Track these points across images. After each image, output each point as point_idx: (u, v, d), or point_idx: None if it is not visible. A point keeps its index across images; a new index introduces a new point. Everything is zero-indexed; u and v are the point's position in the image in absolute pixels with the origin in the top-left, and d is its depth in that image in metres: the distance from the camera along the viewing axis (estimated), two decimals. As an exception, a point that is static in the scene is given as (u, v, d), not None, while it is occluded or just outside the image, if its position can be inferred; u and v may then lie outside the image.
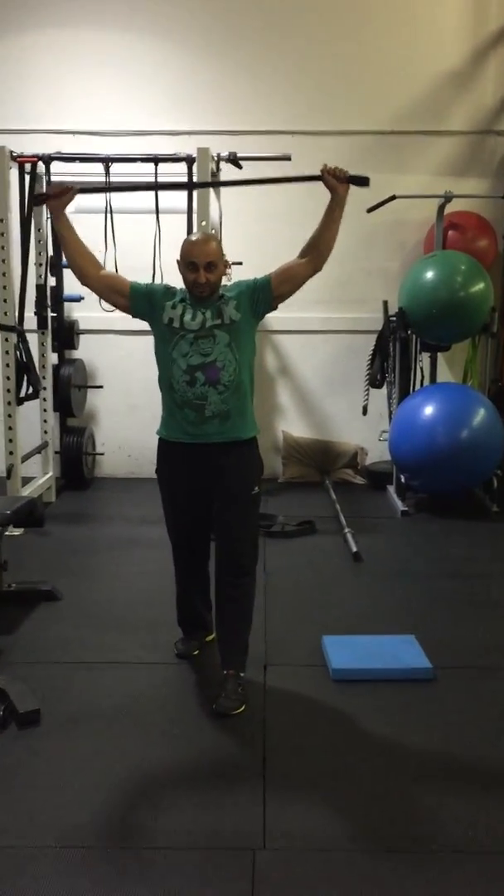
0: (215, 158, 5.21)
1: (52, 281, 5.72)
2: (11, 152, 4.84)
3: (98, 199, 5.00)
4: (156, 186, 4.91)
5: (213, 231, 5.53)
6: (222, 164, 5.31)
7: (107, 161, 4.90)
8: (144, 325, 3.19)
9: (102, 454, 6.36)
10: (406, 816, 2.50)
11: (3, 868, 2.27)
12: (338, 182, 3.02)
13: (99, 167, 4.97)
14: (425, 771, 2.73)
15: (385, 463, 6.12)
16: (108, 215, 4.94)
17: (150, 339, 3.18)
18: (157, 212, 4.93)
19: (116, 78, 6.04)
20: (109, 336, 6.11)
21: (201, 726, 2.98)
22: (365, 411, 5.84)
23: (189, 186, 4.99)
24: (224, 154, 5.23)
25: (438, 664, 3.37)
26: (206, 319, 3.04)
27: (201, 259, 2.98)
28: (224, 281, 3.20)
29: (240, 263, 5.89)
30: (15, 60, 6.04)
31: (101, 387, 6.24)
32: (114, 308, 3.20)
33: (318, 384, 6.44)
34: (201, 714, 3.05)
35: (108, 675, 3.32)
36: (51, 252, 5.62)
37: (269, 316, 6.75)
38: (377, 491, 6.09)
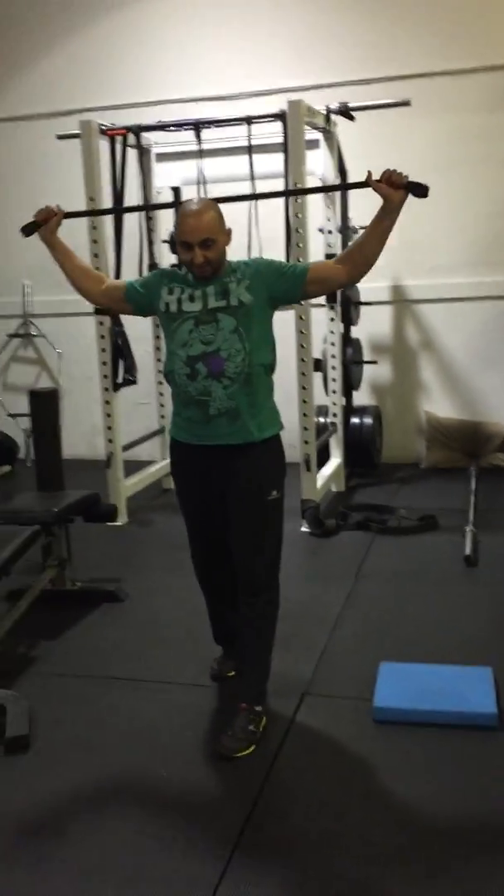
0: (324, 112, 4.70)
1: (173, 259, 5.48)
2: (100, 125, 4.61)
3: (191, 170, 4.68)
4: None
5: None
6: (334, 118, 4.80)
7: (196, 126, 4.55)
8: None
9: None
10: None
11: None
12: (393, 189, 2.49)
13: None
14: (429, 848, 2.18)
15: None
16: (202, 185, 4.59)
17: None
18: (252, 178, 4.49)
19: (234, 38, 5.69)
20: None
21: (195, 770, 2.59)
22: (517, 388, 5.10)
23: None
24: (333, 106, 4.71)
25: (511, 709, 2.76)
26: (207, 301, 2.62)
27: (194, 237, 2.55)
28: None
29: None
30: (131, 32, 5.86)
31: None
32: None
33: (466, 358, 5.73)
34: (204, 752, 2.67)
35: (128, 696, 3.02)
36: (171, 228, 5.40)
37: (407, 283, 6.04)
38: (532, 479, 5.35)
